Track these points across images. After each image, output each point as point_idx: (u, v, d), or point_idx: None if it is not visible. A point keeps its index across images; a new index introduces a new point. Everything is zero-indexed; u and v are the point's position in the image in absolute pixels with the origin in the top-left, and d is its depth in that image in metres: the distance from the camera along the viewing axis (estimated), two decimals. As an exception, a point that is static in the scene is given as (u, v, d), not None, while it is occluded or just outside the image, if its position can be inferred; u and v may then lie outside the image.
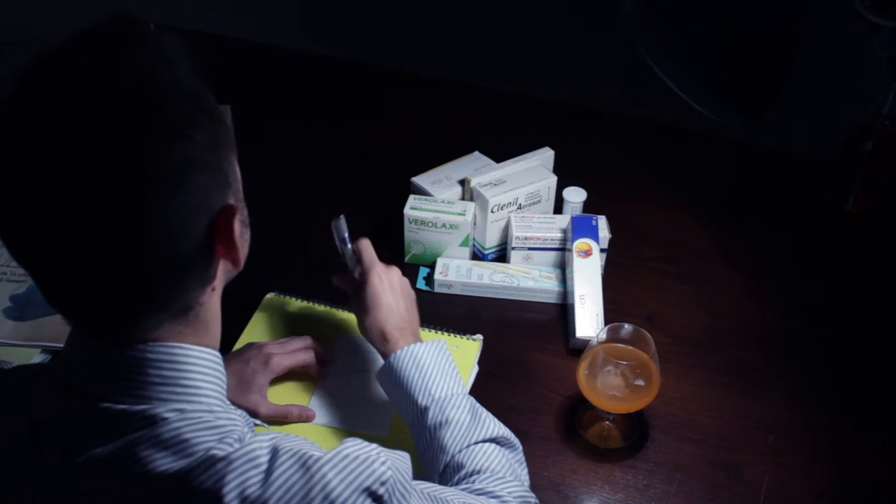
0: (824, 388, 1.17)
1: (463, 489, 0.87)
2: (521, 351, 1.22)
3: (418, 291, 1.30)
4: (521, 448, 0.98)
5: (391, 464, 0.72)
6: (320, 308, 1.26)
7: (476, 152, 1.47)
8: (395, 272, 1.10)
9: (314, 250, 1.40)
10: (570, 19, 2.34)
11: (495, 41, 2.45)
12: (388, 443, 1.06)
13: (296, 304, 1.27)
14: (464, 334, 1.21)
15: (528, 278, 1.30)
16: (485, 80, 1.85)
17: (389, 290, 1.07)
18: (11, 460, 0.71)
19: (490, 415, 0.98)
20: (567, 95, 1.99)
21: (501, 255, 1.37)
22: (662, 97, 1.36)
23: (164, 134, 0.64)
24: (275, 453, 0.69)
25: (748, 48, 1.24)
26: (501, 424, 0.97)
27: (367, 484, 0.70)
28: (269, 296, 1.28)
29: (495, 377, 1.18)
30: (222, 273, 0.75)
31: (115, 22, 0.67)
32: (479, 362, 1.19)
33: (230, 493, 0.66)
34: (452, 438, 0.94)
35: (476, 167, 1.42)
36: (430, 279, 1.32)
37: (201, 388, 0.71)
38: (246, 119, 1.57)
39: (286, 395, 1.12)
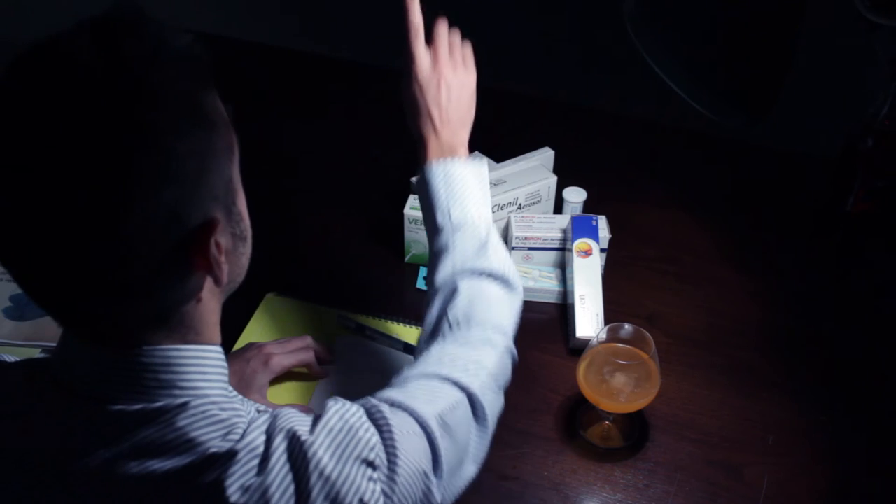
0: (824, 388, 1.17)
1: (429, 373, 0.86)
2: (521, 351, 1.21)
3: (418, 292, 1.30)
4: (521, 291, 0.98)
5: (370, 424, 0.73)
6: (320, 308, 1.26)
7: (476, 152, 1.47)
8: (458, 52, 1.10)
9: (314, 250, 1.40)
10: (570, 19, 2.34)
11: (495, 41, 2.45)
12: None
13: (296, 304, 1.27)
14: (464, 334, 1.21)
15: (528, 278, 1.30)
16: (485, 80, 1.84)
17: (451, 70, 1.08)
18: (15, 463, 0.71)
19: (502, 250, 0.97)
20: (567, 95, 1.99)
21: (501, 255, 1.37)
22: (662, 97, 1.36)
23: (138, 141, 0.61)
24: (269, 438, 0.69)
25: (748, 48, 1.23)
26: (509, 264, 0.96)
27: (358, 453, 0.70)
28: (268, 296, 1.28)
29: (495, 377, 1.18)
30: (212, 285, 0.72)
31: (119, 13, 0.65)
32: (479, 362, 1.19)
33: (232, 485, 0.67)
34: (451, 263, 0.94)
35: (476, 167, 1.42)
36: (430, 279, 1.32)
37: (200, 387, 0.71)
38: (245, 119, 1.57)
39: (286, 395, 1.13)
